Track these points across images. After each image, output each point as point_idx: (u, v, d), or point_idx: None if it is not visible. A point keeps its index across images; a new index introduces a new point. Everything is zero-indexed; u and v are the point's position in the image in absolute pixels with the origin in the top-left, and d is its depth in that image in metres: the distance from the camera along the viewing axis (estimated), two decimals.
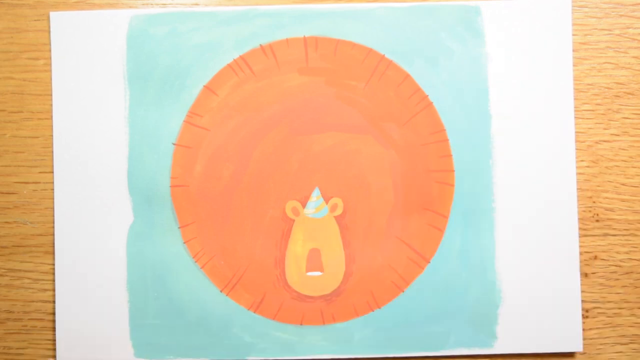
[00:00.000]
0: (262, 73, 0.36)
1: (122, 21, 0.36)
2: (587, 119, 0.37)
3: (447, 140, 0.36)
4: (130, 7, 0.37)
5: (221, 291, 0.36)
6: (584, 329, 0.36)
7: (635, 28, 0.37)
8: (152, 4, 0.37)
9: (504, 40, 0.36)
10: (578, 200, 0.36)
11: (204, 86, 0.36)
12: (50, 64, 0.36)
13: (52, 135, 0.36)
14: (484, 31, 0.36)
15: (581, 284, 0.36)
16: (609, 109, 0.37)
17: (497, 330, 0.36)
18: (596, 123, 0.37)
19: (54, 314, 0.36)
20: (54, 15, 0.36)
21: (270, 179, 0.36)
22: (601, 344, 0.36)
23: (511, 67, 0.36)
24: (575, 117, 0.36)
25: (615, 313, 0.37)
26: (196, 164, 0.36)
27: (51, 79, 0.36)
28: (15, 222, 0.37)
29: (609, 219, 0.37)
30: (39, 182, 0.37)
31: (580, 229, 0.36)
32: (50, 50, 0.36)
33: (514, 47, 0.36)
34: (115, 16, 0.36)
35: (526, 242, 0.36)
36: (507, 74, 0.36)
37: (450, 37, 0.36)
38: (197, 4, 0.37)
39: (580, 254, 0.37)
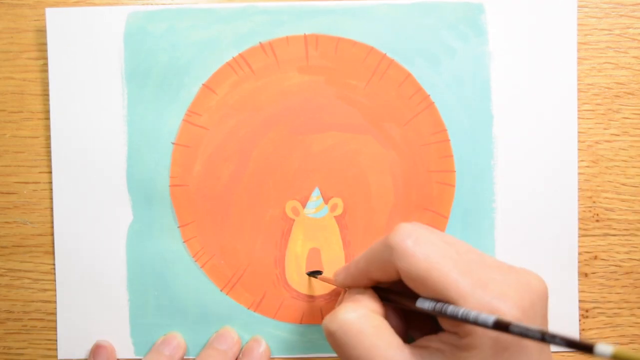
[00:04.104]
0: (262, 71, 0.34)
1: (120, 18, 0.33)
2: (587, 119, 0.34)
3: (449, 140, 0.34)
4: (127, 3, 0.34)
5: (221, 290, 0.34)
6: (583, 329, 0.34)
7: (635, 28, 0.34)
8: (149, 2, 0.34)
9: (508, 39, 0.34)
10: (578, 200, 0.34)
11: (202, 84, 0.34)
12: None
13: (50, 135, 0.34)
14: (487, 29, 0.33)
15: (581, 284, 0.34)
16: (609, 109, 0.34)
17: None
18: (596, 123, 0.34)
19: (54, 313, 0.34)
20: (50, 12, 0.33)
21: (270, 178, 0.34)
22: None
23: (514, 66, 0.34)
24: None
25: (615, 313, 0.34)
26: (195, 164, 0.33)
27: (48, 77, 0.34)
28: (15, 222, 0.34)
29: (609, 219, 0.34)
30: (39, 182, 0.34)
31: (580, 229, 0.34)
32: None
33: (517, 46, 0.34)
34: (112, 13, 0.33)
35: (526, 243, 0.34)
36: (510, 74, 0.34)
37: (453, 35, 0.33)
38: (195, 1, 0.34)
39: (580, 254, 0.34)
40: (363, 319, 0.25)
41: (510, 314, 0.22)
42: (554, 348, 0.33)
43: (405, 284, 0.25)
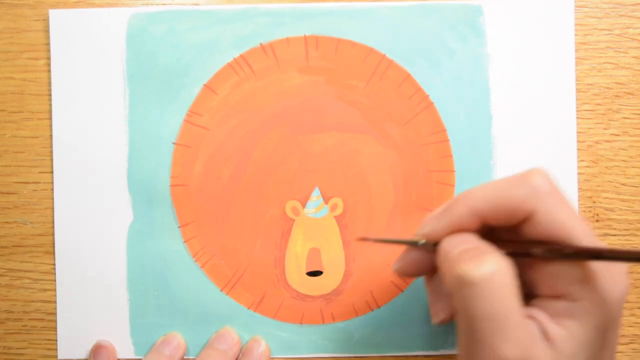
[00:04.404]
0: (262, 72, 0.34)
1: (122, 19, 0.33)
2: (587, 119, 0.34)
3: (448, 140, 0.34)
4: (129, 5, 0.34)
5: (221, 290, 0.33)
6: None
7: (635, 28, 0.34)
8: (151, 3, 0.34)
9: (506, 40, 0.34)
10: (578, 200, 0.34)
11: (203, 85, 0.34)
12: (49, 64, 0.34)
13: (51, 135, 0.34)
14: (485, 31, 0.34)
15: None
16: (609, 109, 0.34)
17: None
18: (596, 123, 0.34)
19: (54, 314, 0.34)
20: (53, 13, 0.33)
21: (270, 178, 0.33)
22: None
23: (513, 67, 0.34)
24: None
25: None
26: (196, 164, 0.33)
27: (50, 77, 0.34)
28: (15, 222, 0.34)
29: (609, 219, 0.34)
30: (39, 182, 0.34)
31: None
32: (50, 50, 0.34)
33: (516, 48, 0.34)
34: (114, 14, 0.33)
35: None
36: (508, 74, 0.34)
37: (452, 36, 0.33)
38: (197, 3, 0.34)
39: None
40: (509, 275, 0.21)
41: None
42: None
43: (523, 232, 0.23)
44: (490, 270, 0.21)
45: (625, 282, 0.22)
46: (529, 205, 0.23)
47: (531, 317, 0.23)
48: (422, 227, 0.26)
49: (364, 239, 0.29)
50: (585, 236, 0.22)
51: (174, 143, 0.34)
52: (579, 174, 0.34)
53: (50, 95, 0.34)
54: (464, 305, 0.22)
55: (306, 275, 0.34)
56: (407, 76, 0.34)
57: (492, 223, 0.24)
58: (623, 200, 0.34)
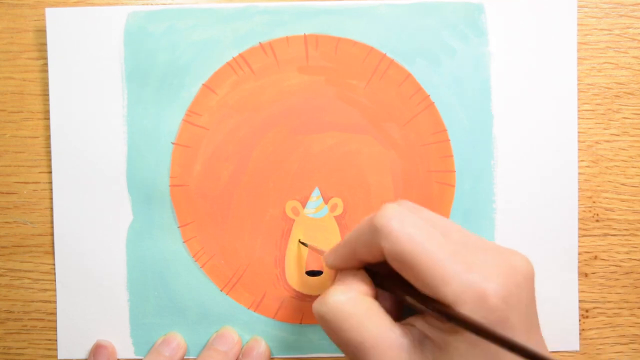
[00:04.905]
0: (262, 72, 0.33)
1: (120, 18, 0.33)
2: (587, 119, 0.34)
3: (449, 140, 0.33)
4: (127, 3, 0.34)
5: (221, 290, 0.33)
6: (583, 329, 0.34)
7: (635, 28, 0.34)
8: (149, 1, 0.34)
9: (508, 39, 0.33)
10: (578, 200, 0.34)
11: (202, 85, 0.33)
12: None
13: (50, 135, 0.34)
14: (487, 30, 0.33)
15: (581, 284, 0.34)
16: (609, 109, 0.34)
17: None
18: (596, 123, 0.34)
19: (54, 314, 0.34)
20: (50, 12, 0.33)
21: (270, 178, 0.33)
22: (601, 344, 0.34)
23: (514, 66, 0.34)
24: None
25: (615, 313, 0.34)
26: (195, 164, 0.33)
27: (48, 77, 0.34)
28: (15, 222, 0.34)
29: (609, 219, 0.34)
30: (39, 182, 0.34)
31: (580, 229, 0.34)
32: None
33: (517, 47, 0.33)
34: (112, 13, 0.33)
35: (526, 243, 0.34)
36: (510, 74, 0.34)
37: (453, 35, 0.33)
38: (195, 1, 0.34)
39: (580, 254, 0.34)
40: (352, 301, 0.25)
41: (496, 295, 0.21)
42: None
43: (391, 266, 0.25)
44: (332, 302, 0.25)
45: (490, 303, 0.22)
46: (376, 245, 0.24)
47: (414, 327, 0.24)
48: (325, 257, 0.28)
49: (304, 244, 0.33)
50: (429, 266, 0.23)
51: (173, 143, 0.33)
52: (579, 174, 0.34)
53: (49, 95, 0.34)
54: (330, 338, 0.25)
55: (306, 275, 0.34)
56: (408, 76, 0.33)
57: (366, 260, 0.26)
58: (623, 200, 0.34)
